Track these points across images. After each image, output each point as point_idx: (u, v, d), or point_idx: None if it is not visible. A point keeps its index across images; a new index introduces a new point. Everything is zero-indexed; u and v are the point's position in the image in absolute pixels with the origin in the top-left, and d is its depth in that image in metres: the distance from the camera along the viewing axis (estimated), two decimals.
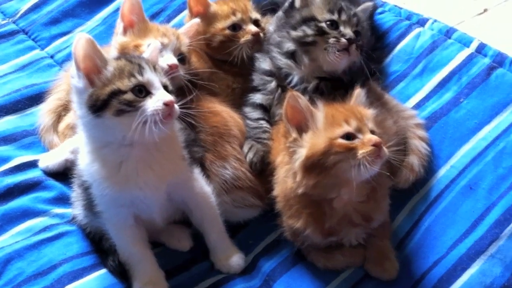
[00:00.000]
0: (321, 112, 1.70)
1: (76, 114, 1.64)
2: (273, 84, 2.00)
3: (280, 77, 1.99)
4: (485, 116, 2.02)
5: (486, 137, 1.98)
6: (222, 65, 2.15)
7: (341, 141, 1.63)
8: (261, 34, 2.13)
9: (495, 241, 1.76)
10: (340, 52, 1.88)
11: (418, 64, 2.23)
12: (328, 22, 1.92)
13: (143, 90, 1.56)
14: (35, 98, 2.30)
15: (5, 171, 2.03)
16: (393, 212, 1.89)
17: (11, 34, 2.66)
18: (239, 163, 1.92)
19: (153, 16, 2.56)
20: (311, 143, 1.66)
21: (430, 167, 1.99)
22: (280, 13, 2.24)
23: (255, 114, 2.01)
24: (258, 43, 2.12)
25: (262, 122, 1.99)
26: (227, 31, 2.13)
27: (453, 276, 1.74)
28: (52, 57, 2.57)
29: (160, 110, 1.54)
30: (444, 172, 1.97)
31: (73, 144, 2.00)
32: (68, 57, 2.49)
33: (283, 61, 1.98)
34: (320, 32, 1.91)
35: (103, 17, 2.67)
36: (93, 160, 1.65)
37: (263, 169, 1.91)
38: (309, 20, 1.95)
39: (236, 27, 2.13)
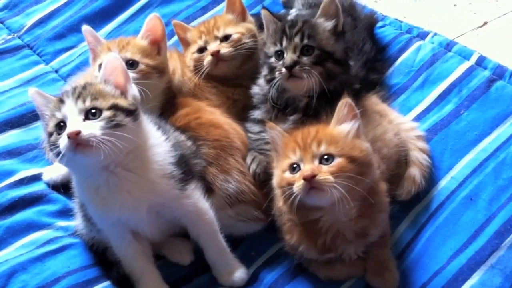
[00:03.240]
0: (280, 142, 1.76)
1: None
2: (268, 105, 2.02)
3: (272, 99, 2.01)
4: (486, 127, 2.03)
5: (486, 148, 1.99)
6: (220, 78, 2.16)
7: (286, 175, 1.68)
8: (225, 50, 2.10)
9: (495, 252, 1.77)
10: (290, 79, 1.89)
11: (419, 77, 2.25)
12: (275, 55, 1.93)
13: (63, 126, 1.56)
14: None
15: (9, 185, 2.05)
16: (394, 223, 1.90)
17: (17, 49, 2.69)
18: (242, 176, 1.93)
19: None
20: (275, 173, 1.75)
21: (431, 179, 1.99)
22: None
23: (256, 128, 2.03)
24: (222, 60, 2.11)
25: (263, 134, 2.00)
26: (195, 55, 2.16)
27: (453, 287, 1.74)
28: (56, 71, 2.59)
29: (66, 144, 1.51)
30: (445, 183, 1.98)
31: None
32: (72, 72, 2.53)
33: (266, 88, 2.00)
34: (271, 68, 1.94)
35: (108, 31, 2.70)
36: (76, 181, 1.71)
37: (265, 181, 1.91)
38: (265, 58, 1.98)
39: (202, 49, 2.16)
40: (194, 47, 2.17)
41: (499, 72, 2.15)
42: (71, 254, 1.87)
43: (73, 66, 2.58)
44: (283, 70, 1.88)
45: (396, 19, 2.52)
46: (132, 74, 1.86)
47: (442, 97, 2.16)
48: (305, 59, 1.88)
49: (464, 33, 2.98)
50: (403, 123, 2.09)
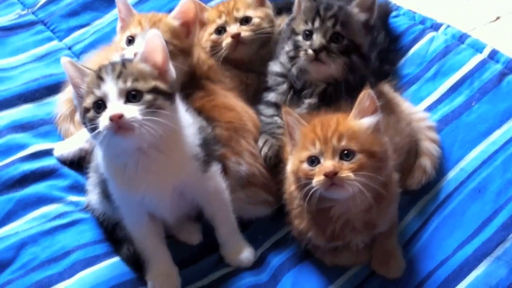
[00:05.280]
0: (298, 130, 1.71)
1: None
2: (285, 86, 2.02)
3: (291, 78, 2.02)
4: (496, 121, 2.04)
5: (496, 141, 1.99)
6: (235, 62, 2.16)
7: (304, 166, 1.64)
8: (245, 34, 2.10)
9: (502, 244, 1.77)
10: (313, 62, 1.88)
11: (431, 68, 2.26)
12: (303, 33, 1.92)
13: (101, 105, 1.53)
14: (53, 88, 2.33)
15: (21, 158, 2.06)
16: (402, 212, 1.91)
17: (30, 24, 2.70)
18: (254, 158, 1.94)
19: None
20: (291, 160, 1.72)
21: (440, 169, 2.00)
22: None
23: (270, 111, 2.03)
24: (242, 43, 2.11)
25: (276, 118, 2.01)
26: (213, 36, 2.14)
27: (458, 277, 1.74)
28: (70, 48, 2.60)
29: (107, 126, 1.50)
30: (453, 174, 1.99)
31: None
32: (86, 49, 2.54)
33: (289, 66, 2.00)
34: (296, 46, 1.92)
35: None
36: (103, 158, 1.69)
37: (276, 164, 1.93)
38: (292, 33, 1.96)
39: (221, 30, 2.14)
40: (212, 27, 2.14)
41: (511, 66, 2.15)
42: (81, 228, 1.89)
43: (86, 44, 2.58)
44: (310, 51, 1.86)
45: (410, 10, 2.52)
46: None
47: (454, 89, 2.17)
48: (333, 45, 1.87)
49: (476, 27, 2.98)
50: (415, 113, 2.10)
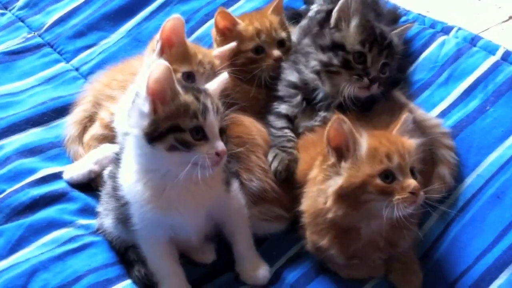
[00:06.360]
0: (364, 142, 1.64)
1: (129, 130, 1.62)
2: (298, 98, 2.00)
3: (306, 90, 1.99)
4: None
5: None
6: (246, 75, 2.13)
7: (379, 181, 1.58)
8: (282, 58, 2.12)
9: None
10: (361, 88, 1.89)
11: (443, 72, 2.20)
12: (356, 54, 1.90)
13: (200, 132, 1.55)
14: (61, 111, 2.32)
15: (31, 183, 2.05)
16: (422, 219, 1.86)
17: (37, 47, 2.69)
18: (264, 173, 1.91)
19: None
20: (349, 173, 1.62)
21: (458, 175, 1.96)
22: (303, 23, 2.25)
23: (280, 123, 2.01)
24: (280, 66, 2.11)
25: (286, 131, 1.98)
26: (250, 54, 2.12)
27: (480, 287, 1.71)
28: (77, 69, 2.59)
29: (211, 159, 1.55)
30: (471, 180, 1.94)
31: (97, 155, 2.03)
32: (93, 70, 2.53)
33: (309, 76, 1.98)
34: (346, 65, 1.90)
35: (127, 29, 2.69)
36: (137, 180, 1.65)
37: (287, 178, 1.90)
38: (337, 47, 1.93)
39: (259, 49, 2.13)
40: (247, 45, 2.13)
41: None
42: (92, 252, 1.87)
43: (93, 64, 2.57)
44: (366, 80, 1.88)
45: (419, 14, 2.48)
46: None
47: (467, 93, 2.12)
48: (381, 76, 1.91)
49: (488, 27, 2.94)
50: (428, 120, 2.05)
